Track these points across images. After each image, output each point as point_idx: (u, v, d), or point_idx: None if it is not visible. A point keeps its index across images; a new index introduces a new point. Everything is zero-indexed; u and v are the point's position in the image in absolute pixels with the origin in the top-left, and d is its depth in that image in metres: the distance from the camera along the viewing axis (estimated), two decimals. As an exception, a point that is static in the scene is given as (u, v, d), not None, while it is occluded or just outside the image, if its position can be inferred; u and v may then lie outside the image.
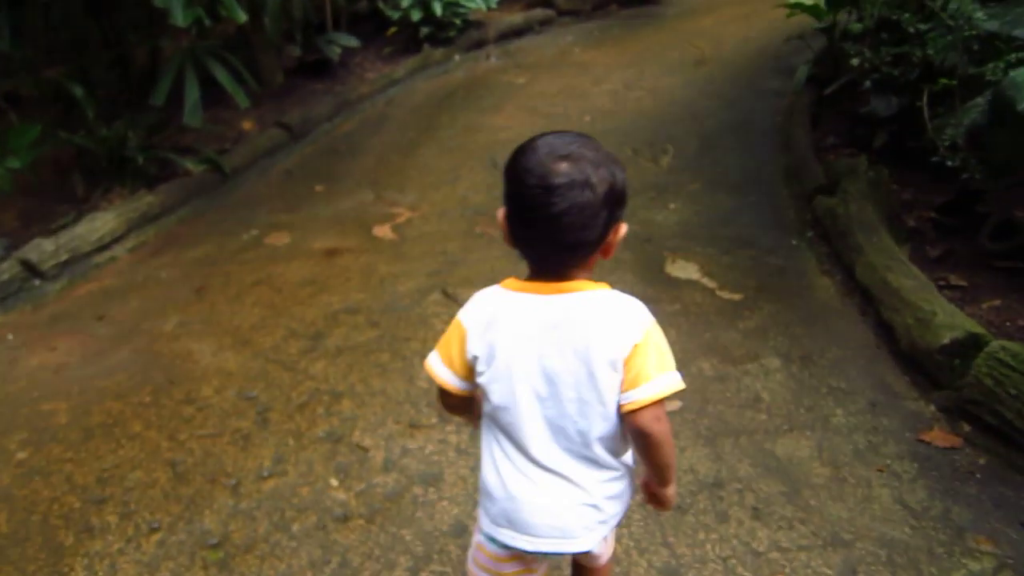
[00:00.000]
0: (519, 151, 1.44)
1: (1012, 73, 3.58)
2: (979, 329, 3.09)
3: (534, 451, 1.48)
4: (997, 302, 3.88)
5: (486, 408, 1.53)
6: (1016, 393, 2.77)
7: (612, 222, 1.44)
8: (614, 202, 1.42)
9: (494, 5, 8.33)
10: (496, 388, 1.48)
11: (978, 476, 2.74)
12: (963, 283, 4.01)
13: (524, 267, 1.53)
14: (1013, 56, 3.53)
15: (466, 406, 1.62)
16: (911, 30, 4.02)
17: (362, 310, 3.63)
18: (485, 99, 6.90)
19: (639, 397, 1.41)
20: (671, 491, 1.62)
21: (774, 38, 8.35)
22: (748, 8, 9.65)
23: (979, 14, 3.83)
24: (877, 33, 4.14)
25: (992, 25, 3.88)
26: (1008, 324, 3.67)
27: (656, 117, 6.39)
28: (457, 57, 7.94)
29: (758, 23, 8.97)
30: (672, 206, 4.92)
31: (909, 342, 3.25)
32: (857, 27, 6.35)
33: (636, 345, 1.41)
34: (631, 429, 1.46)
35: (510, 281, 1.51)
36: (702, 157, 5.65)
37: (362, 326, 3.48)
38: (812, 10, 6.63)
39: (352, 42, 6.79)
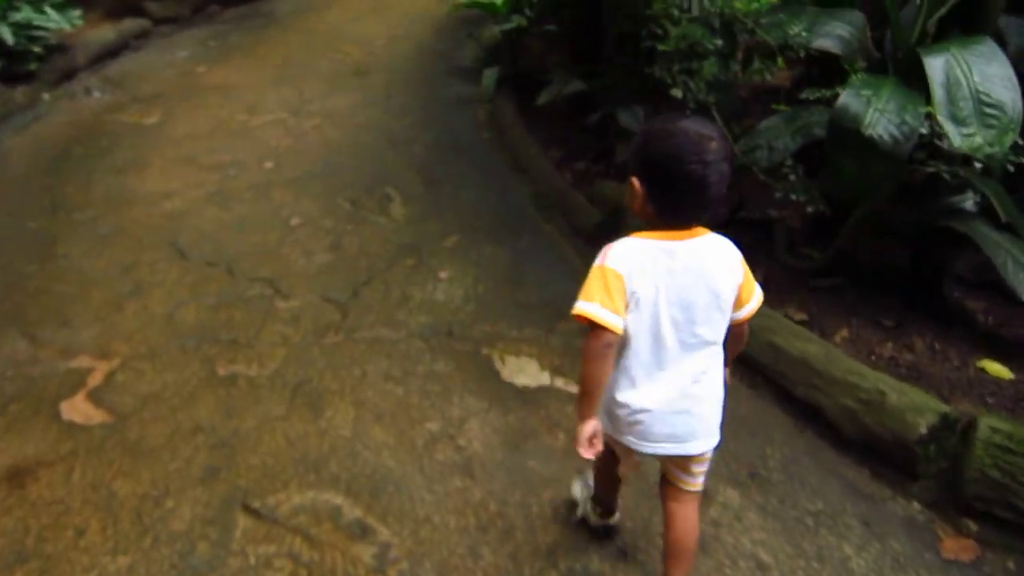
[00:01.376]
0: (666, 135, 1.75)
1: (843, 98, 3.24)
2: (943, 407, 2.70)
3: (670, 370, 1.83)
4: (844, 332, 3.62)
5: (633, 342, 1.82)
6: (1031, 481, 2.41)
7: None
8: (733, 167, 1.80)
9: (79, 21, 6.40)
10: (644, 320, 1.80)
11: (1023, 589, 2.34)
12: (804, 316, 3.71)
13: None
14: (857, 77, 3.17)
15: (614, 350, 1.81)
16: (710, 47, 3.52)
17: (142, 593, 2.20)
18: (116, 153, 5.20)
19: (751, 308, 1.91)
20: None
21: (423, 34, 7.67)
22: (369, 1, 8.79)
23: (795, 28, 3.45)
24: (685, 56, 3.57)
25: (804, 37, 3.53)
26: (874, 358, 3.41)
27: (352, 151, 5.30)
28: (47, 96, 5.96)
29: (392, 17, 8.20)
30: (443, 274, 3.98)
31: (860, 430, 2.77)
32: (521, 21, 5.87)
33: (744, 273, 1.86)
34: (738, 330, 1.93)
35: (645, 233, 1.80)
36: (435, 198, 4.74)
37: (162, 631, 2.08)
38: (489, 8, 5.99)
39: None
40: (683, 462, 1.96)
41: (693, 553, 2.09)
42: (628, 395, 1.85)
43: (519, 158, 5.16)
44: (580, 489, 2.46)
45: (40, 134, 5.48)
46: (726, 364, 1.97)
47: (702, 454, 1.94)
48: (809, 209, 3.41)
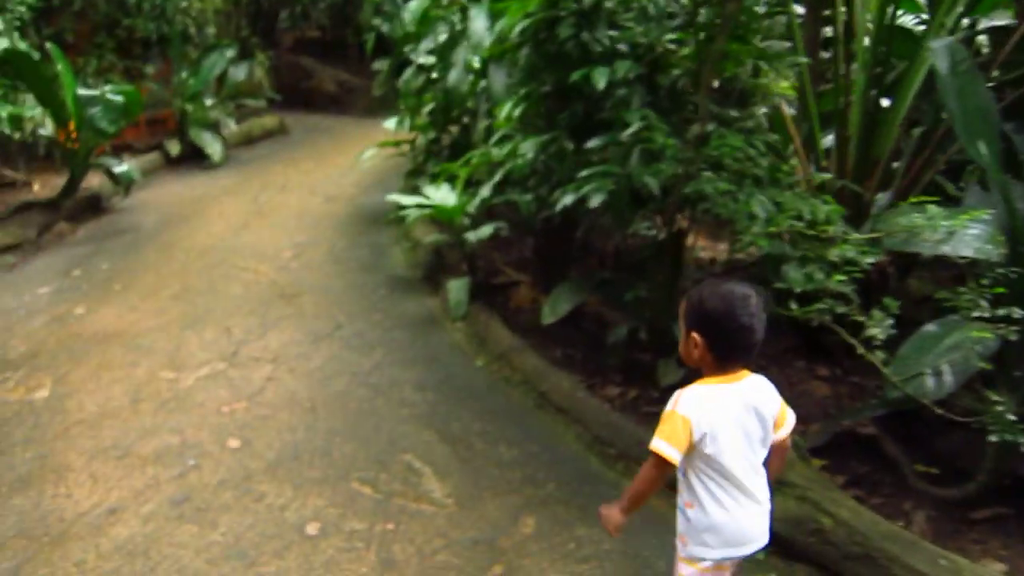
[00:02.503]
0: (720, 296, 2.19)
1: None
2: None
3: (744, 487, 2.22)
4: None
5: (709, 468, 2.21)
6: None
7: None
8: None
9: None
10: (722, 451, 2.18)
11: None
12: (1003, 567, 3.08)
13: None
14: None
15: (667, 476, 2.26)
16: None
17: None
18: (11, 455, 3.77)
19: (788, 429, 2.34)
20: None
21: (330, 240, 6.82)
22: (239, 203, 7.79)
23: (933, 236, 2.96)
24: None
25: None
26: None
27: (333, 408, 4.22)
28: None
29: (282, 222, 7.28)
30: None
31: None
32: (482, 234, 5.18)
33: (780, 402, 2.30)
34: (780, 449, 2.38)
35: (706, 380, 2.25)
36: (471, 463, 3.79)
37: None
38: (443, 214, 5.25)
39: None
40: (742, 560, 2.36)
41: None
42: (721, 515, 2.23)
43: (545, 392, 4.30)
44: None
45: None
46: (770, 481, 2.35)
47: (758, 552, 2.33)
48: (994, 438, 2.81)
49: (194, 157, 9.44)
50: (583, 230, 5.49)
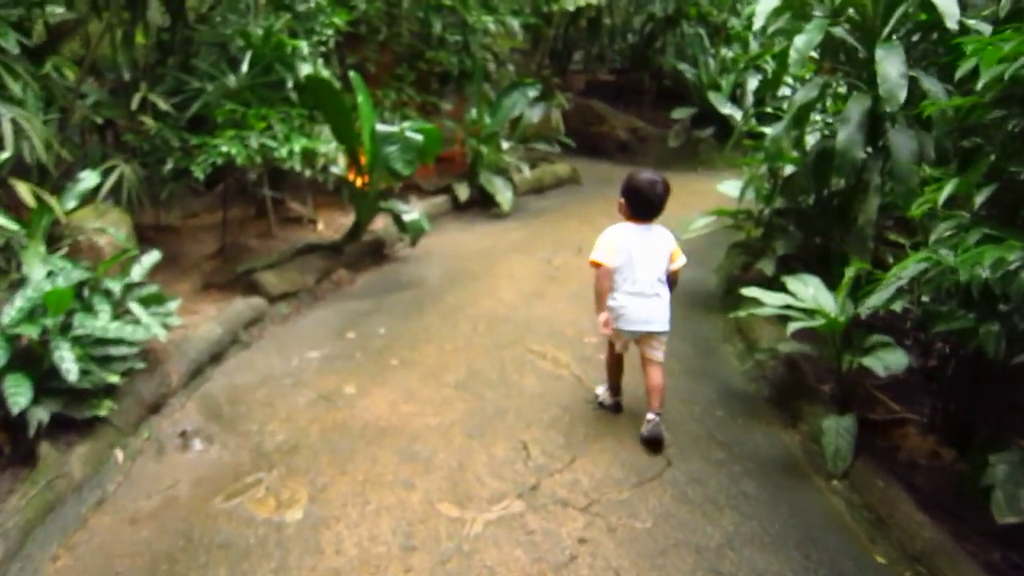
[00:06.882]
0: (639, 178, 3.96)
1: None
2: None
3: (644, 286, 3.88)
4: None
5: (621, 274, 3.90)
6: None
7: None
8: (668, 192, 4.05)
9: (176, 320, 4.25)
10: (627, 263, 3.88)
11: None
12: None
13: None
14: None
15: (610, 276, 3.92)
16: None
17: None
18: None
19: (677, 265, 4.01)
20: None
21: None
22: (530, 264, 6.72)
23: None
24: None
25: None
26: None
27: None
28: (119, 454, 3.65)
29: (576, 290, 6.02)
30: None
31: None
32: (894, 365, 3.63)
33: (674, 244, 4.00)
34: (672, 277, 4.03)
35: (626, 223, 3.98)
36: None
37: None
38: (834, 326, 3.75)
39: None
40: (648, 339, 3.96)
41: (662, 389, 3.96)
42: (624, 303, 3.90)
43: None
44: (600, 391, 4.30)
45: (99, 549, 3.10)
46: (671, 287, 4.04)
47: (661, 333, 3.95)
48: None
49: (480, 203, 8.65)
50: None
